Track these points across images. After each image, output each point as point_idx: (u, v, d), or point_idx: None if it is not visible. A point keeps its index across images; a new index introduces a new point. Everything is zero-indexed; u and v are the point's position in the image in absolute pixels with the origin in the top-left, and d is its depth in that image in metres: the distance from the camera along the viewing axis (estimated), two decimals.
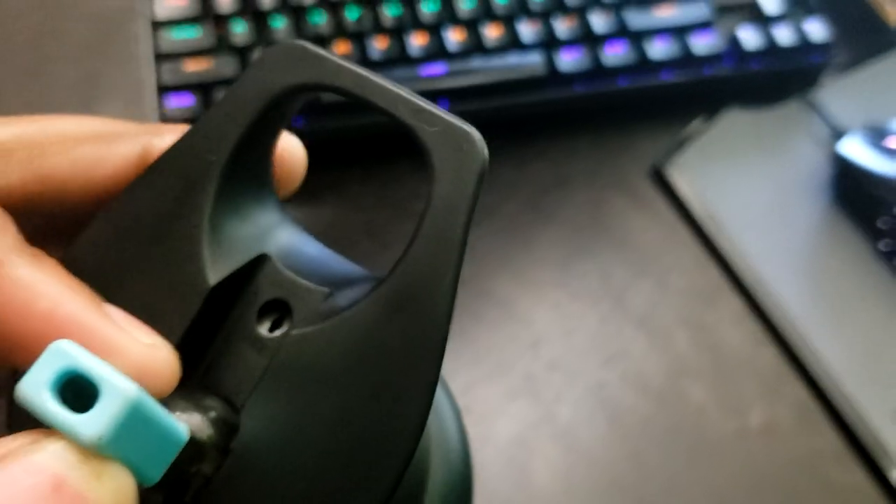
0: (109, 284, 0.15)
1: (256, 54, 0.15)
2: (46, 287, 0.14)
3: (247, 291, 0.16)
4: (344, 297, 0.16)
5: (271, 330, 0.15)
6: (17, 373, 0.13)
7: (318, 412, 0.14)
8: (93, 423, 0.12)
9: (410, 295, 0.15)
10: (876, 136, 0.45)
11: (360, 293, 0.16)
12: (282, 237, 0.17)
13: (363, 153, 0.46)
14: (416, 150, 0.52)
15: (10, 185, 0.15)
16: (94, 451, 0.12)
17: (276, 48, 0.16)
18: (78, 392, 0.12)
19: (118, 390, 0.12)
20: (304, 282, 0.16)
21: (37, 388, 0.12)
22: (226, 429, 0.15)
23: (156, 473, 0.13)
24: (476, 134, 0.15)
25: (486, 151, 0.15)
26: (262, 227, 0.17)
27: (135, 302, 0.15)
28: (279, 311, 0.16)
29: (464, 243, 0.15)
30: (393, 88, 0.16)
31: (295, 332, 0.15)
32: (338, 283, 0.16)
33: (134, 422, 0.12)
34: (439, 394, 0.20)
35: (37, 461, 0.11)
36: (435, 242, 0.15)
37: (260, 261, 0.16)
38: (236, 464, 0.14)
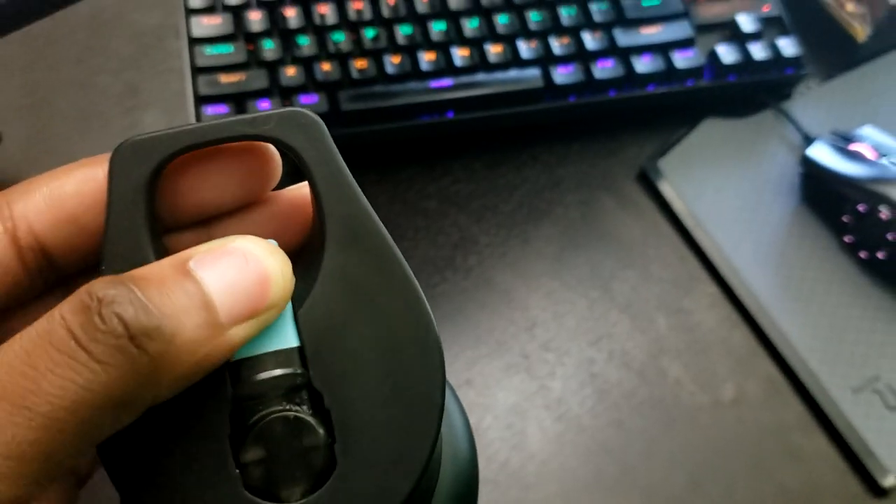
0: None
1: (119, 154, 0.18)
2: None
3: None
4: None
5: None
6: None
7: (362, 359, 0.17)
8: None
9: (351, 234, 0.18)
10: (842, 141, 0.50)
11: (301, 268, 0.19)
12: None
13: (378, 158, 0.51)
14: (425, 156, 0.58)
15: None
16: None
17: (119, 150, 0.18)
18: None
19: None
20: None
21: None
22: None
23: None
24: (301, 109, 0.19)
25: (315, 115, 0.19)
26: None
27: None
28: None
29: (351, 178, 0.19)
30: (225, 121, 0.18)
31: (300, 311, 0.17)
32: None
33: None
34: (448, 398, 0.23)
35: (230, 246, 0.17)
36: (336, 190, 0.18)
37: None
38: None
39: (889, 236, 0.46)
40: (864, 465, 0.42)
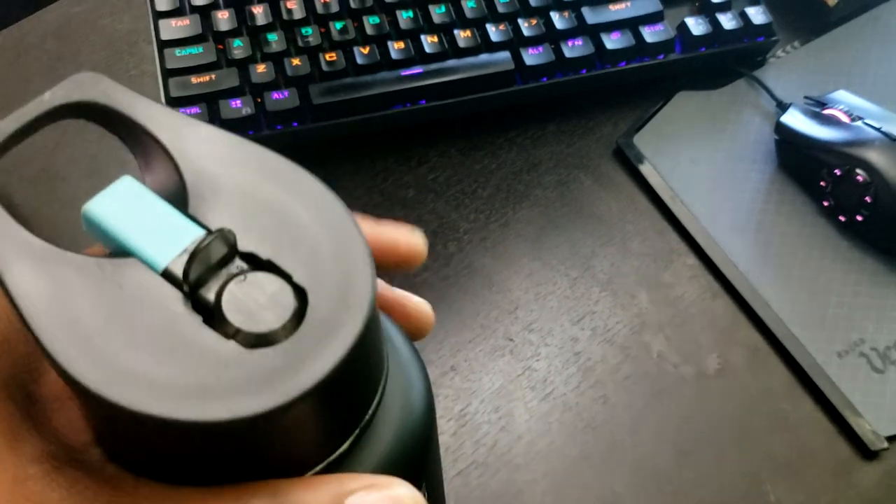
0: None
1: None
2: None
3: None
4: None
5: None
6: None
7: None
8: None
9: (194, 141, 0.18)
10: (816, 106, 0.50)
11: None
12: None
13: (353, 150, 0.51)
14: (401, 146, 0.57)
15: None
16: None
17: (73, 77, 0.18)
18: None
19: None
20: None
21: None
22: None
23: None
24: (83, 73, 0.18)
25: (95, 73, 0.18)
26: None
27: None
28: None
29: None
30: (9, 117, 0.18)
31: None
32: None
33: None
34: (397, 335, 0.23)
35: (395, 493, 0.17)
36: (156, 113, 0.18)
37: None
38: None
39: (867, 198, 0.46)
40: (853, 429, 0.42)
